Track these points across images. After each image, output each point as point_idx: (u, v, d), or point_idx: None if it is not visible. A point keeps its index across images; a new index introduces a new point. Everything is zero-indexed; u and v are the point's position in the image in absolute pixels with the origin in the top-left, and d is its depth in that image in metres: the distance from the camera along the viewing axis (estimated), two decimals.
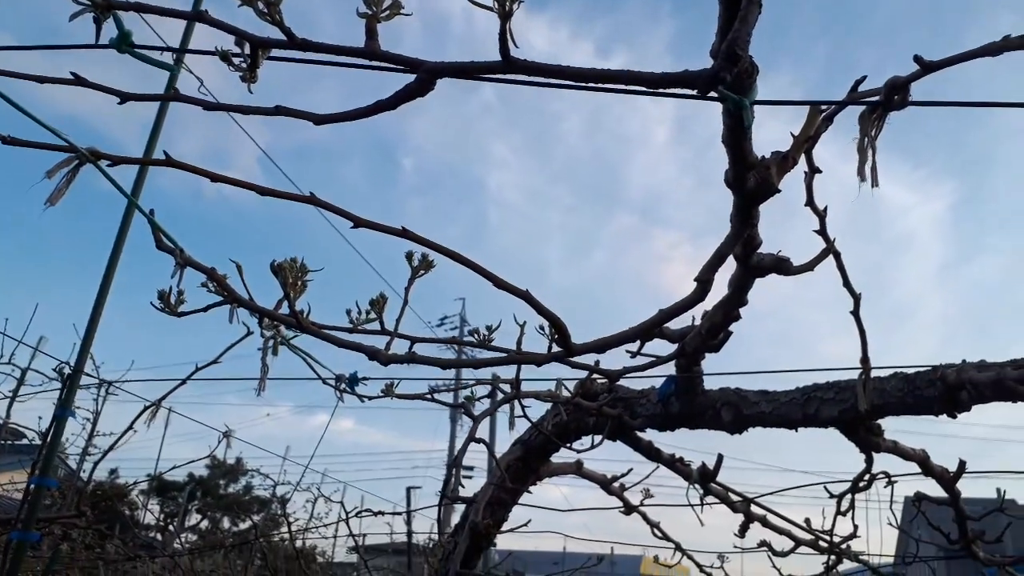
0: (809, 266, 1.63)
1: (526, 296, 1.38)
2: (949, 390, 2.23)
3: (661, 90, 0.84)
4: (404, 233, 1.36)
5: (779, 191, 1.27)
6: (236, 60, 0.97)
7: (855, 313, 2.07)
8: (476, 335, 1.71)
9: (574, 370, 2.59)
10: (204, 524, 16.76)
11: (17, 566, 2.31)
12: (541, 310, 1.38)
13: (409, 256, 1.67)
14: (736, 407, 2.65)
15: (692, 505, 3.16)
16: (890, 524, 3.22)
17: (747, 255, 1.55)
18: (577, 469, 3.41)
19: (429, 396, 2.31)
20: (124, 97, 1.13)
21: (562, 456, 3.47)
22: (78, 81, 1.13)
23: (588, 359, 1.95)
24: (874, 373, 2.41)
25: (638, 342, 2.18)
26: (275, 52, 0.94)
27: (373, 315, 1.76)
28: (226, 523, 16.78)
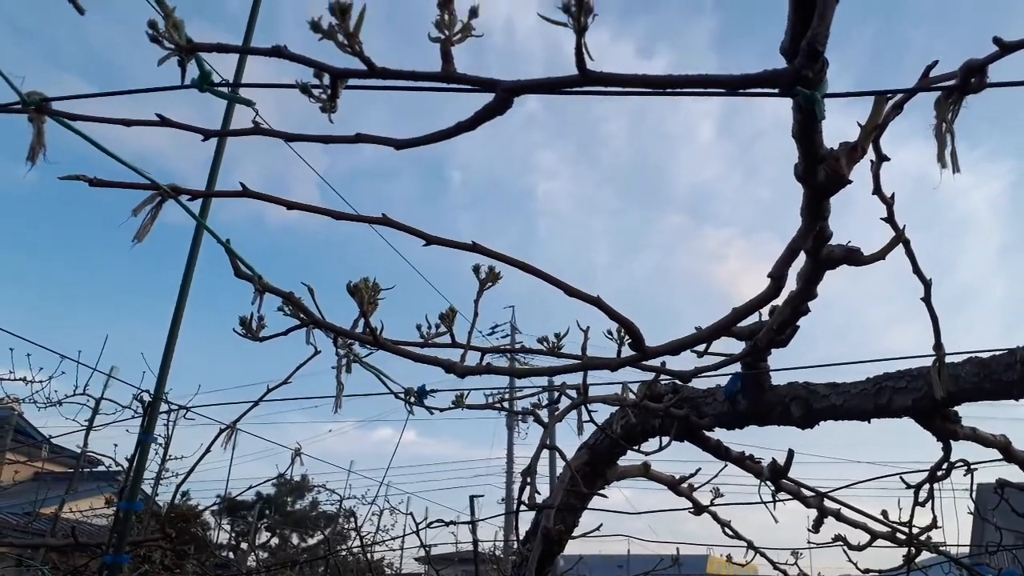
0: (880, 255, 1.61)
1: (597, 302, 1.39)
2: None
3: (741, 91, 0.85)
4: (474, 247, 1.39)
5: (850, 182, 1.26)
6: (316, 92, 1.01)
7: (926, 299, 2.03)
8: (545, 343, 1.72)
9: (640, 373, 2.59)
10: (274, 541, 17.09)
11: None
12: (613, 315, 1.40)
13: (476, 269, 1.70)
14: (806, 401, 2.62)
15: (764, 502, 3.13)
16: (969, 513, 3.14)
17: (817, 248, 1.54)
18: (645, 471, 3.40)
19: (499, 405, 2.34)
20: (207, 134, 1.18)
21: (629, 459, 3.47)
22: (163, 122, 1.18)
23: (657, 361, 1.95)
24: (948, 359, 2.36)
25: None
26: (354, 81, 0.97)
27: (443, 329, 1.79)
28: (295, 539, 17.09)
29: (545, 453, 3.20)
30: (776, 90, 0.88)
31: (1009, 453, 2.54)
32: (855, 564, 3.73)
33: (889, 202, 1.63)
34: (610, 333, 1.83)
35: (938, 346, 2.18)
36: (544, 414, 2.91)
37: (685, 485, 3.59)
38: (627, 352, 1.66)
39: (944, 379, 2.20)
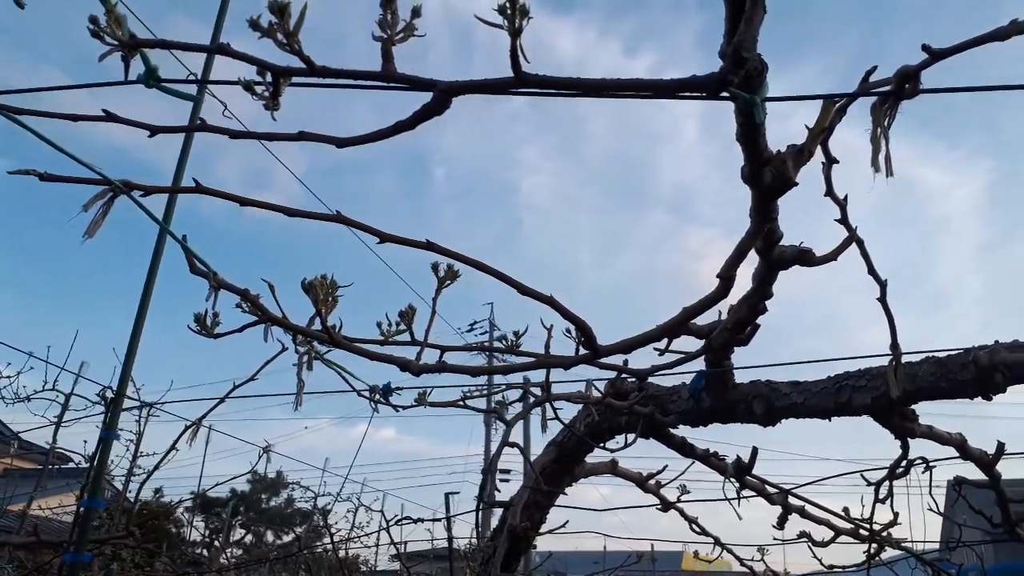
0: (832, 256, 1.64)
1: (550, 301, 1.40)
2: (982, 373, 2.21)
3: (670, 95, 0.86)
4: (429, 246, 1.39)
5: (796, 184, 1.28)
6: (259, 89, 1.01)
7: (882, 300, 2.06)
8: (504, 341, 1.73)
9: (604, 371, 2.61)
10: (248, 539, 17.01)
11: None
12: (566, 314, 1.41)
13: (435, 267, 1.70)
14: (768, 399, 2.65)
15: (729, 499, 3.16)
16: (930, 510, 3.19)
17: (768, 248, 1.56)
18: (612, 468, 3.43)
19: (462, 403, 2.34)
20: (153, 130, 1.18)
21: (597, 456, 3.50)
22: (109, 117, 1.17)
23: (616, 359, 1.97)
24: (906, 358, 2.41)
25: (665, 340, 2.19)
26: (296, 79, 0.97)
27: (403, 326, 1.79)
28: (269, 536, 17.02)
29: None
30: (705, 94, 0.89)
31: (965, 450, 2.59)
32: (819, 560, 3.79)
33: (842, 204, 1.66)
34: (569, 332, 1.84)
35: (894, 346, 2.22)
36: (518, 409, 2.92)
37: (652, 482, 3.61)
38: (584, 351, 1.68)
39: (900, 378, 2.24)
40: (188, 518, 10.90)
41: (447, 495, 9.07)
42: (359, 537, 6.28)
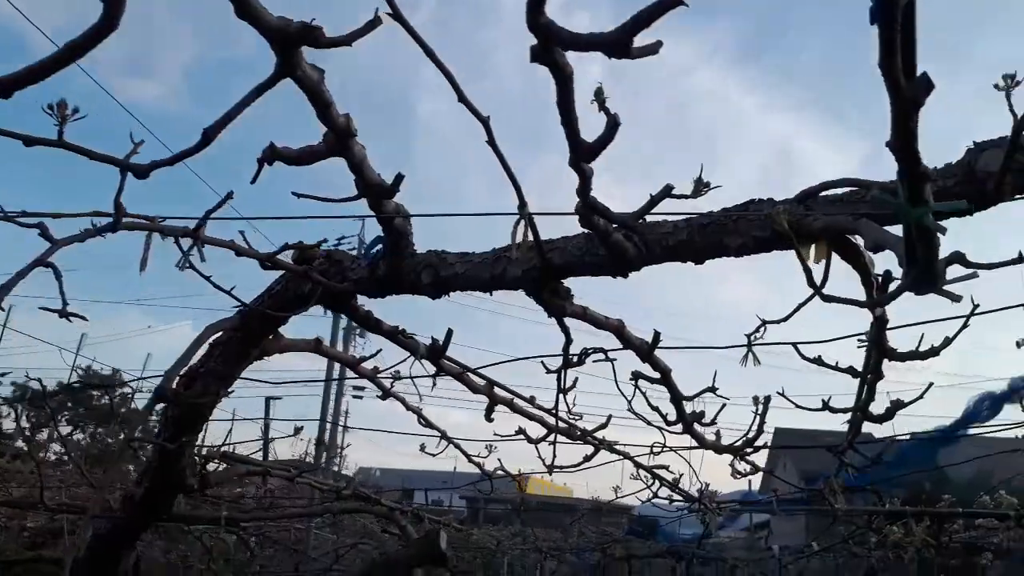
0: (349, 39, 1.41)
1: None
2: (611, 248, 2.08)
3: None
4: None
5: None
6: None
7: (490, 143, 1.86)
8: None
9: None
10: (79, 436, 16.30)
11: None
12: None
13: None
14: (435, 269, 2.47)
15: (413, 378, 3.02)
16: (628, 408, 3.11)
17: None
18: (315, 347, 3.21)
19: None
20: None
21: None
22: None
23: None
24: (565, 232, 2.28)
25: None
26: None
27: None
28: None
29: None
30: None
31: (623, 336, 2.48)
32: (543, 460, 3.71)
33: None
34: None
35: (522, 205, 2.04)
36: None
37: (370, 367, 3.44)
38: None
39: (524, 240, 2.08)
40: (5, 411, 10.30)
41: (267, 399, 8.74)
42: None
